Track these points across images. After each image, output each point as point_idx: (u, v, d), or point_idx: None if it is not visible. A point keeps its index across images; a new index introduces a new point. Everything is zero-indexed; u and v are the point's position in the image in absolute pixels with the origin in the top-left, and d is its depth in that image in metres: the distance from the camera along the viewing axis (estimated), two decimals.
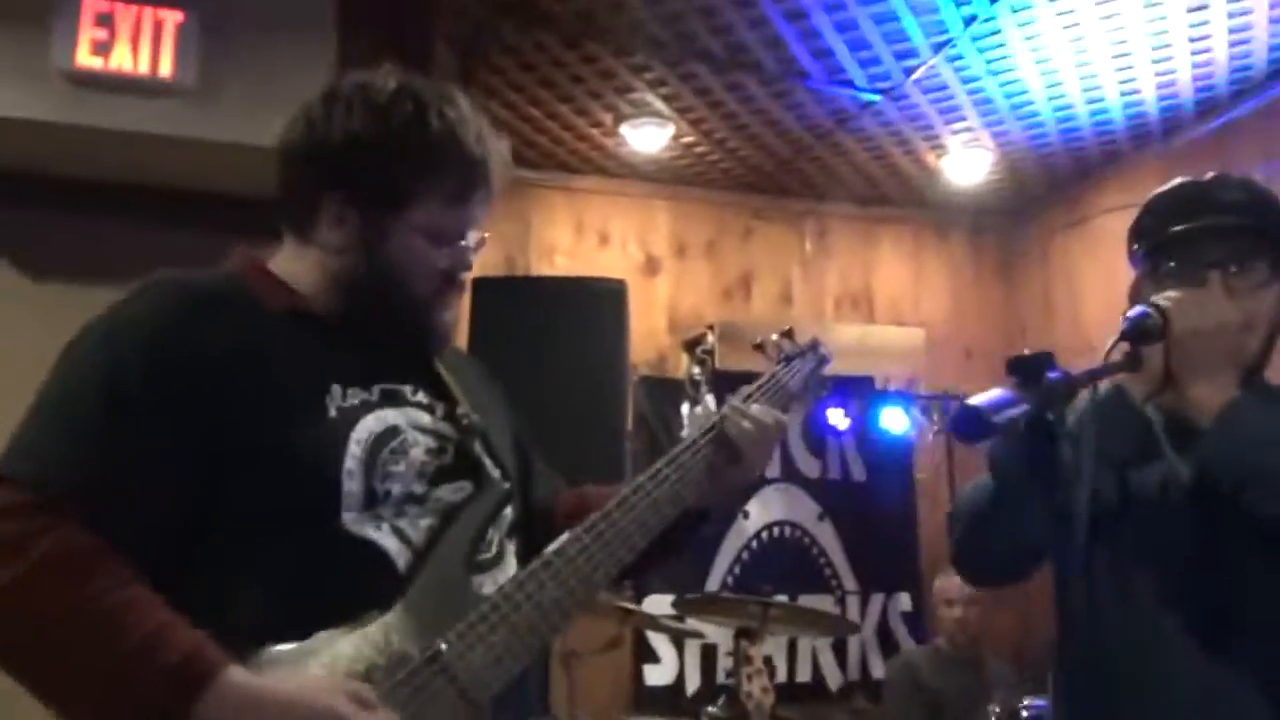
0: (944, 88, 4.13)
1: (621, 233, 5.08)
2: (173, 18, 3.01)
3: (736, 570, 4.61)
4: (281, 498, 1.15)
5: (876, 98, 4.18)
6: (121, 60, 2.97)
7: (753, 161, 4.87)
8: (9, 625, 1.06)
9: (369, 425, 1.21)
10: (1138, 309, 1.45)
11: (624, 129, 4.46)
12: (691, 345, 4.83)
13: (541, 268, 4.87)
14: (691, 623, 3.90)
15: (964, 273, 5.56)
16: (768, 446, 1.44)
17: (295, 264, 1.31)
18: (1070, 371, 1.40)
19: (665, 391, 4.65)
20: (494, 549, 1.27)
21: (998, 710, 3.47)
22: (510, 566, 1.28)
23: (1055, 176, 5.05)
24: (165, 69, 3.01)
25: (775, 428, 1.43)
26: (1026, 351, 1.42)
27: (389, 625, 1.14)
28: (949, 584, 4.04)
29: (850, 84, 4.08)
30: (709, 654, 4.51)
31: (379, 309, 1.29)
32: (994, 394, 1.37)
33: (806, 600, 4.46)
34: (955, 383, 5.16)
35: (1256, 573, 1.41)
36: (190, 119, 3.04)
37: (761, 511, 4.70)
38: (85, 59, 2.95)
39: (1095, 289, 4.97)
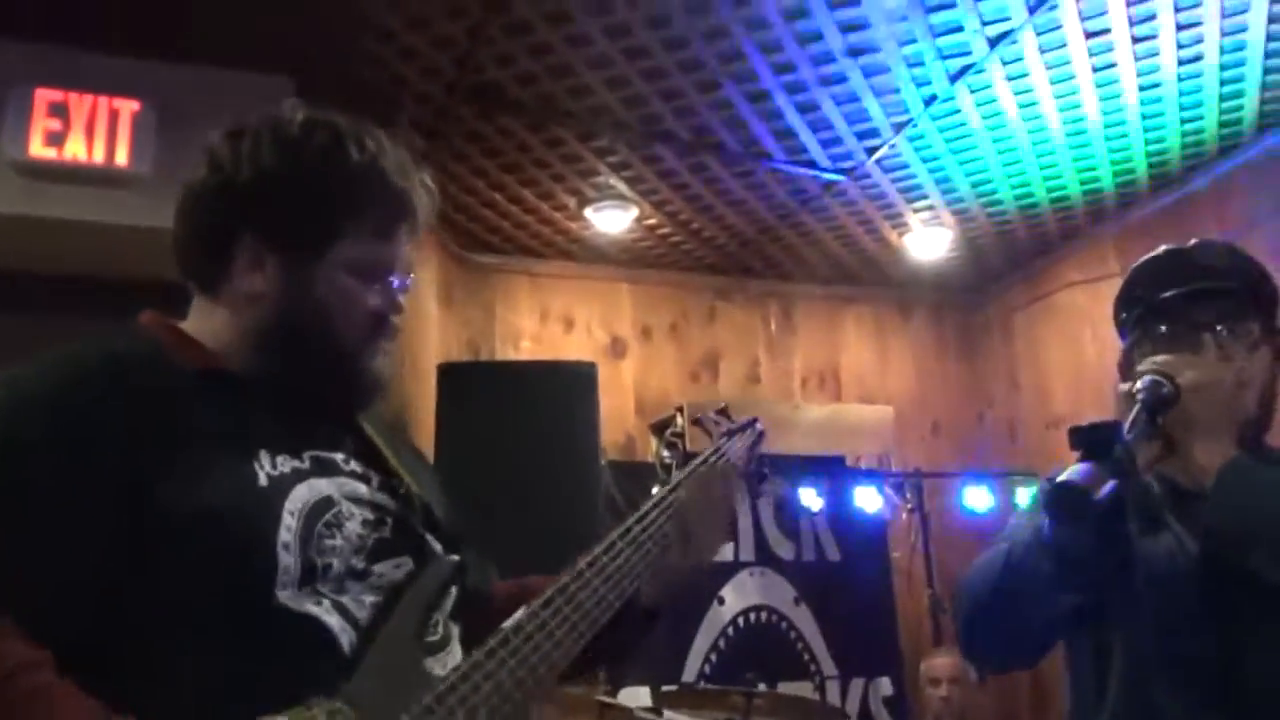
0: (905, 166, 4.17)
1: (586, 316, 5.04)
2: (128, 106, 2.97)
3: (713, 658, 4.49)
4: (211, 575, 1.03)
5: (839, 177, 4.21)
6: (76, 150, 2.92)
7: (717, 242, 4.87)
8: None
9: (301, 495, 1.10)
10: (1147, 378, 1.42)
11: (588, 212, 4.45)
12: (660, 427, 4.76)
13: (506, 353, 4.82)
14: (670, 715, 3.77)
15: (928, 349, 5.58)
16: (719, 518, 1.41)
17: (206, 322, 1.20)
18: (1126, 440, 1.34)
19: (634, 475, 4.55)
20: (440, 630, 1.16)
21: None
22: (456, 651, 1.17)
23: (1015, 252, 5.10)
24: (121, 158, 2.95)
25: (724, 498, 1.41)
26: (1089, 422, 1.34)
27: (334, 711, 1.00)
28: (935, 664, 3.94)
29: (813, 164, 4.10)
30: None
31: (303, 361, 1.18)
32: (1077, 469, 1.28)
33: (785, 688, 4.34)
34: (924, 458, 5.15)
35: (1274, 640, 1.36)
36: (147, 208, 2.97)
37: (737, 597, 4.60)
38: (38, 149, 2.89)
39: (1058, 362, 4.99)
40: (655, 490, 1.41)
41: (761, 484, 1.66)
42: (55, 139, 2.90)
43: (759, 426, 1.63)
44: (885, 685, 4.72)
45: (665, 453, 4.60)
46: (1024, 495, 4.81)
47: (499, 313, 4.90)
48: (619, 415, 4.81)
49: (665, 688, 4.08)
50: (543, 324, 4.97)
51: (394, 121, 3.66)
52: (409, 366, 3.73)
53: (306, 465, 1.14)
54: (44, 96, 2.90)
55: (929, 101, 3.68)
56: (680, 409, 4.73)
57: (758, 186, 4.31)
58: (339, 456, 1.19)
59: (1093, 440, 1.31)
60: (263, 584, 1.04)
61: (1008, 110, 3.78)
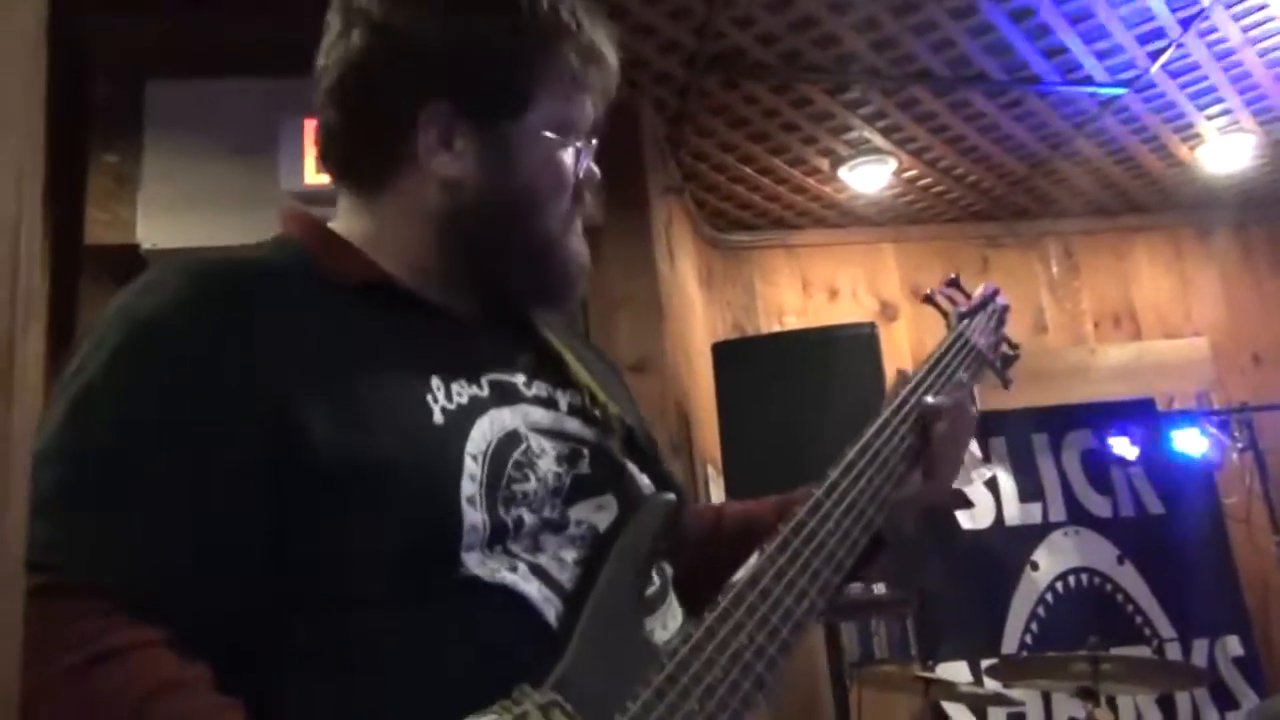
0: (1195, 68, 3.73)
1: (850, 283, 4.83)
2: None
3: (1034, 627, 4.18)
4: (383, 540, 0.82)
5: (1120, 91, 3.82)
6: None
7: (983, 186, 4.55)
8: None
9: (483, 432, 0.90)
10: None
11: (842, 172, 4.25)
12: None
13: (772, 330, 4.68)
14: (992, 688, 3.53)
15: (1237, 271, 5.01)
16: (961, 437, 1.16)
17: (366, 223, 1.00)
18: None
19: None
20: (656, 579, 0.95)
21: None
22: (674, 604, 0.97)
23: None
24: None
25: (968, 408, 1.17)
26: None
27: (550, 705, 0.78)
28: None
29: (1089, 80, 3.73)
30: None
31: (505, 249, 0.99)
32: None
33: (1119, 653, 3.99)
34: (1248, 392, 4.63)
35: None
36: None
37: (1052, 560, 4.27)
38: (313, 178, 2.98)
39: None
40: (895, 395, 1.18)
41: (1008, 369, 1.42)
42: None
43: (1001, 300, 1.40)
44: (1234, 644, 4.26)
45: None
46: None
47: (759, 289, 4.77)
48: None
49: (986, 661, 3.83)
50: (806, 296, 4.81)
51: (638, 109, 3.60)
52: (680, 353, 3.66)
53: (485, 393, 0.94)
54: (313, 125, 2.98)
55: None
56: None
57: (1026, 116, 3.98)
58: (519, 379, 0.99)
59: None
60: (447, 550, 0.84)
61: None
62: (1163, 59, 3.63)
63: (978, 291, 1.39)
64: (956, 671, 3.93)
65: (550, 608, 0.86)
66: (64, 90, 3.26)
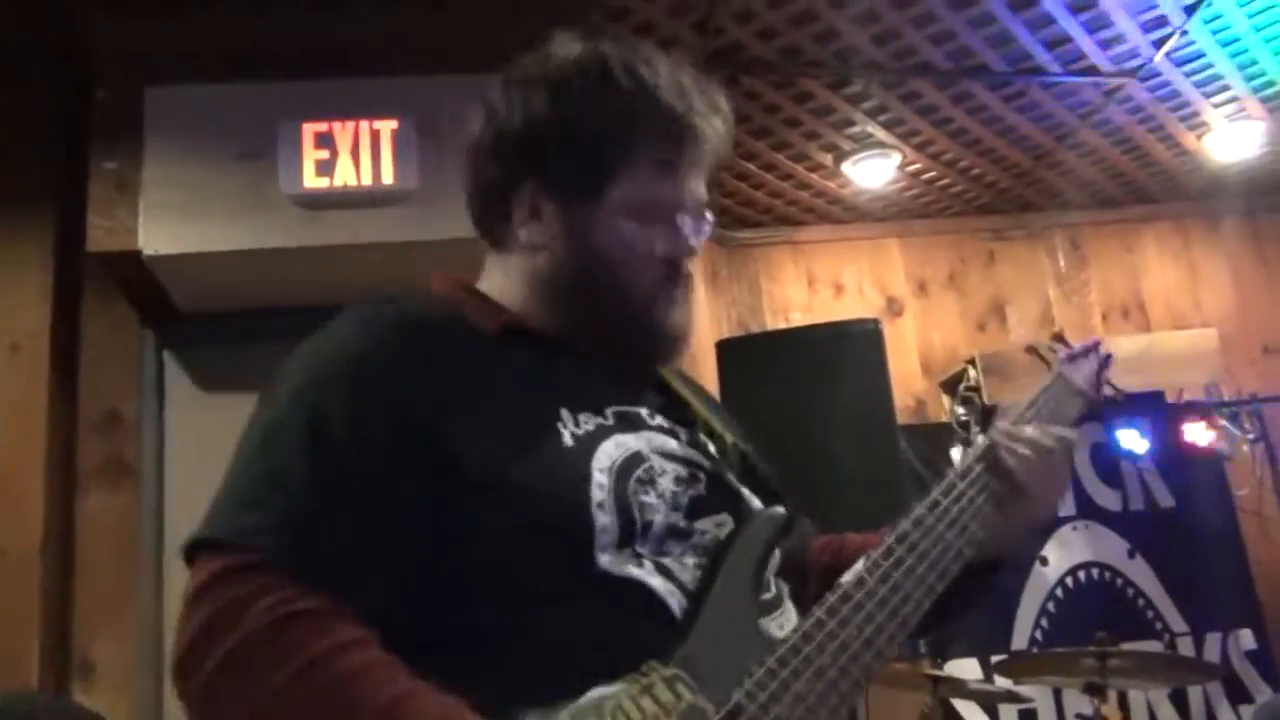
0: (1200, 55, 3.70)
1: (856, 278, 4.81)
2: (388, 126, 3.02)
3: (1044, 623, 4.16)
4: (526, 545, 0.95)
5: (1123, 81, 3.79)
6: (346, 176, 2.99)
7: (988, 179, 4.52)
8: (228, 702, 0.86)
9: (609, 451, 1.01)
10: None
11: (846, 167, 4.23)
12: (951, 385, 4.46)
13: (778, 327, 4.66)
14: (1003, 685, 3.51)
15: (1246, 261, 4.98)
16: (1056, 472, 1.22)
17: (499, 279, 1.16)
18: None
19: (930, 439, 4.29)
20: (773, 588, 1.07)
21: None
22: (790, 610, 1.07)
23: None
24: (388, 177, 3.00)
25: (1060, 447, 1.20)
26: None
27: (674, 678, 0.90)
28: None
29: (1092, 70, 3.71)
30: (1029, 718, 4.05)
31: (591, 313, 1.11)
32: None
33: (1131, 648, 3.95)
34: (1258, 383, 4.59)
35: None
36: (418, 222, 3.02)
37: (1061, 555, 4.24)
38: (311, 181, 2.98)
39: None
40: (955, 453, 1.24)
41: (1109, 410, 1.47)
42: (325, 168, 2.98)
43: (1105, 351, 1.43)
44: (1247, 638, 4.23)
45: (960, 410, 4.30)
46: None
47: (764, 286, 4.76)
48: (905, 377, 4.54)
49: (995, 657, 3.81)
50: (811, 292, 4.79)
51: None
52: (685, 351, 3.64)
53: (610, 421, 1.05)
54: (310, 129, 2.98)
55: None
56: (971, 362, 4.41)
57: (1029, 108, 3.95)
58: (643, 411, 1.10)
59: None
60: (582, 550, 0.96)
61: None
62: (1166, 47, 3.60)
63: (1079, 344, 1.45)
64: (967, 669, 3.91)
65: (673, 599, 0.97)
66: (65, 97, 3.26)
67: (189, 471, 3.25)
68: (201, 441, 3.28)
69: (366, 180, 3.00)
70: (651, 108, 1.10)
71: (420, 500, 0.95)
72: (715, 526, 1.05)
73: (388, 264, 3.09)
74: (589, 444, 1.01)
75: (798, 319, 4.68)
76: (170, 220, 2.98)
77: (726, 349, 3.47)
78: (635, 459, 1.02)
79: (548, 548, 0.95)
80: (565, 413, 1.03)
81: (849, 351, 3.28)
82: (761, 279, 4.76)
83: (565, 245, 1.11)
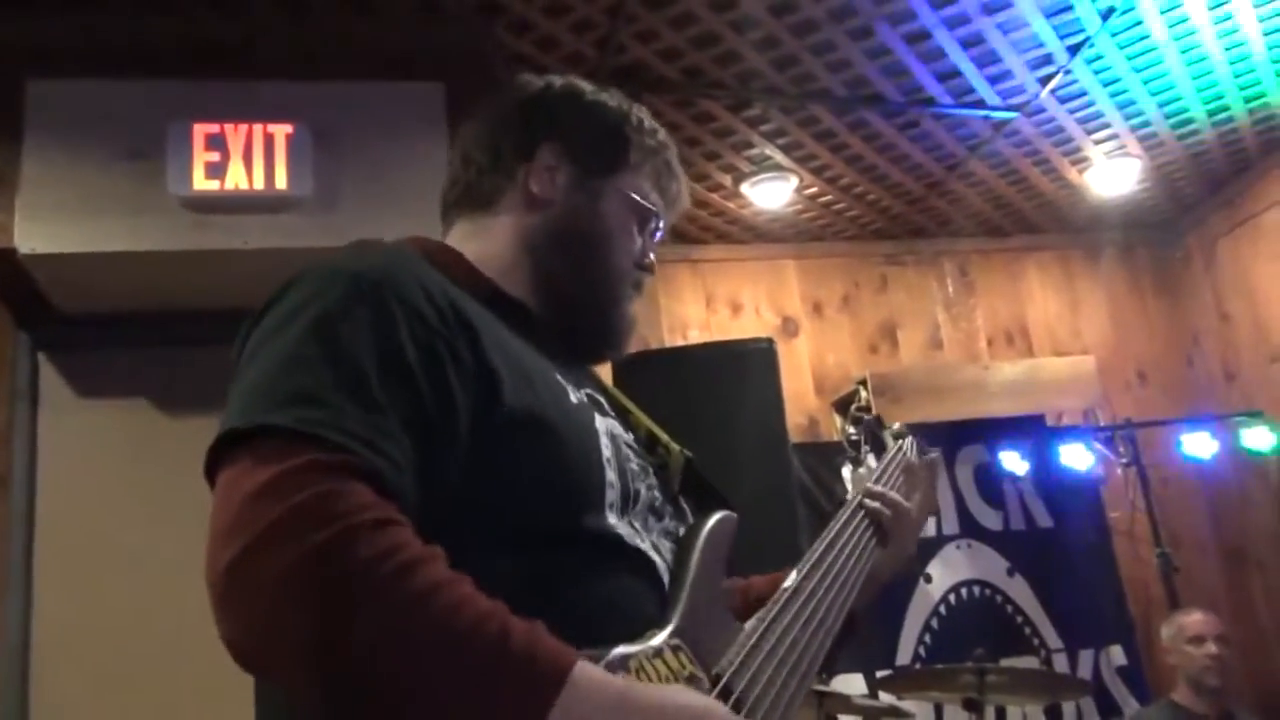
0: (1083, 94, 3.86)
1: (753, 298, 4.88)
2: (282, 130, 2.96)
3: (927, 639, 4.25)
4: (553, 484, 0.96)
5: (1011, 115, 3.92)
6: (237, 179, 2.92)
7: (882, 205, 4.63)
8: (324, 592, 0.76)
9: (599, 422, 1.07)
10: None
11: (745, 188, 4.29)
12: (843, 404, 4.56)
13: (675, 344, 4.69)
14: (889, 700, 3.58)
15: (1123, 292, 5.19)
16: (917, 527, 1.42)
17: (476, 242, 1.18)
18: None
19: (821, 456, 4.37)
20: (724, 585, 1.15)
21: None
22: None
23: (1211, 175, 4.68)
24: (281, 182, 2.94)
25: (920, 510, 1.42)
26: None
27: (675, 645, 0.95)
28: (1192, 621, 3.61)
29: (981, 104, 3.83)
30: None
31: (572, 274, 1.18)
32: None
33: (1009, 664, 4.07)
34: (1132, 409, 4.78)
35: None
36: (312, 229, 2.96)
37: (945, 573, 4.34)
38: (202, 183, 2.90)
39: (1273, 288, 4.56)
40: (845, 471, 1.46)
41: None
42: (216, 171, 2.90)
43: (911, 437, 1.60)
44: (1118, 654, 4.39)
45: (851, 430, 4.38)
46: (1251, 437, 4.41)
47: (663, 304, 4.78)
48: (798, 397, 4.62)
49: (880, 673, 3.88)
50: (709, 310, 4.83)
51: None
52: None
53: (585, 400, 1.09)
54: (201, 130, 2.91)
55: (1106, 15, 3.37)
56: (863, 382, 4.52)
57: (922, 138, 4.07)
58: (603, 400, 1.15)
59: None
60: (595, 504, 1.00)
61: (1194, 14, 3.44)
62: (1051, 84, 3.74)
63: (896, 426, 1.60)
64: (852, 684, 3.96)
65: (665, 575, 1.03)
66: None
67: (62, 479, 3.12)
68: (76, 449, 3.17)
69: (259, 184, 2.93)
70: (664, 149, 1.27)
71: (470, 424, 0.93)
72: (670, 518, 1.11)
73: (278, 271, 3.01)
74: (589, 408, 1.07)
75: (695, 337, 4.72)
76: (50, 218, 2.86)
77: (624, 365, 3.47)
78: (615, 436, 1.07)
79: (569, 496, 0.98)
80: (559, 378, 1.06)
81: (744, 370, 3.33)
82: (660, 296, 4.78)
83: (573, 200, 1.19)
